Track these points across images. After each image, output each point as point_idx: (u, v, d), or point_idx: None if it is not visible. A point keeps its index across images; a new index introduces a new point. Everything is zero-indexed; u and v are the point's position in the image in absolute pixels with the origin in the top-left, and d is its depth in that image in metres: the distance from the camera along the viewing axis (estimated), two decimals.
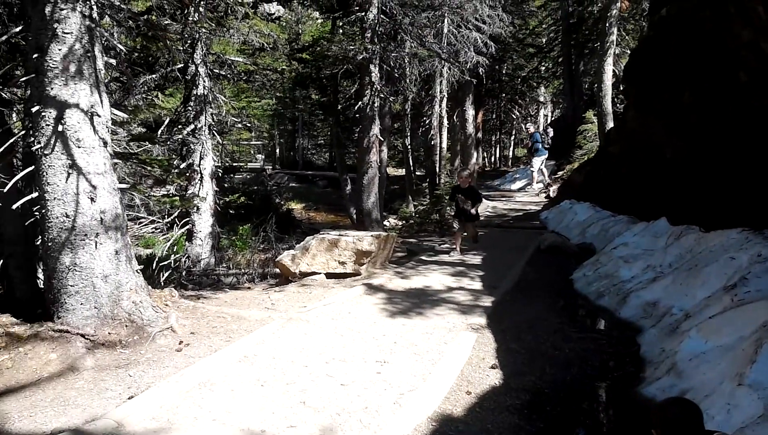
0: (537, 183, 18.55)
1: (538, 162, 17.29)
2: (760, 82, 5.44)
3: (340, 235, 7.35)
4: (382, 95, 10.80)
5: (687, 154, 7.22)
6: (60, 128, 4.51)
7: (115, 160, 5.31)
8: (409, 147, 17.19)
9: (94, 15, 4.78)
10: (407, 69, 12.61)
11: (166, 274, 8.78)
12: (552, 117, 35.90)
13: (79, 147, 4.65)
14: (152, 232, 11.80)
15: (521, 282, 7.07)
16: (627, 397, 3.92)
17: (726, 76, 6.01)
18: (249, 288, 7.53)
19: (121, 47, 5.94)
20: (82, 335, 4.40)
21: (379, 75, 10.62)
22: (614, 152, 11.06)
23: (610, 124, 14.16)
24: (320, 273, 7.13)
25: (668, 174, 7.64)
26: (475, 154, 17.38)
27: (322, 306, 5.87)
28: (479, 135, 23.34)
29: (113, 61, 5.62)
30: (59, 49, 4.50)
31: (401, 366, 4.34)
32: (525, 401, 3.83)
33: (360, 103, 10.51)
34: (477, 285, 6.93)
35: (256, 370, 4.22)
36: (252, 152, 39.67)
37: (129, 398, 3.69)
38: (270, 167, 34.80)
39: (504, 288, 6.71)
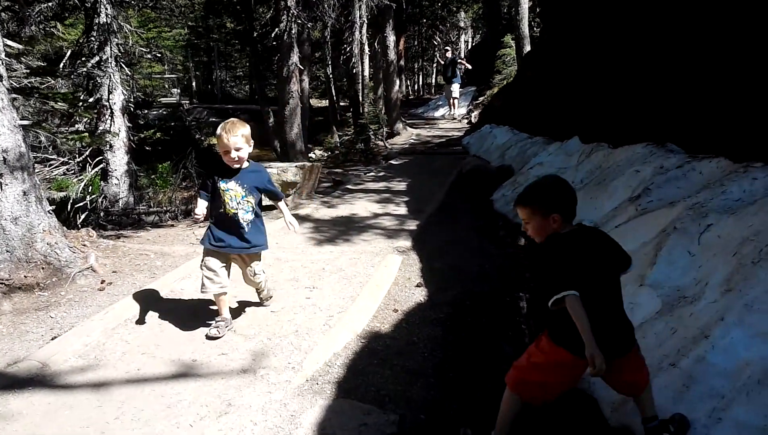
0: (458, 108, 18.80)
1: (456, 88, 17.46)
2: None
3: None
4: (300, 21, 10.45)
5: (596, 74, 7.48)
6: None
7: (14, 96, 4.96)
8: (331, 76, 16.85)
9: None
10: None
11: (82, 217, 8.43)
12: (473, 42, 35.95)
13: None
14: (64, 175, 11.18)
15: (444, 205, 7.27)
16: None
17: None
18: (172, 225, 7.37)
19: None
20: None
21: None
22: (531, 76, 11.29)
23: (528, 48, 14.38)
24: None
25: (579, 94, 7.91)
26: (397, 82, 17.26)
27: None
28: (402, 62, 23.11)
29: None
30: None
31: (330, 290, 4.45)
32: (448, 314, 4.03)
33: (276, 30, 10.13)
34: (402, 210, 7.08)
35: (184, 304, 4.21)
36: (167, 87, 37.66)
37: (52, 339, 3.61)
38: (187, 102, 33.29)
39: (428, 212, 6.90)
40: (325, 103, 26.38)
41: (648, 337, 2.97)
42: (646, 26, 6.02)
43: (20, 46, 5.58)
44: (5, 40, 4.92)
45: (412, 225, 6.31)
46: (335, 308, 4.10)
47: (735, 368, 2.37)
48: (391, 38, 15.69)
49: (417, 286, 4.55)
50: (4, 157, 4.46)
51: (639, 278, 3.49)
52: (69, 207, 8.41)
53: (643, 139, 5.60)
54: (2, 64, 4.68)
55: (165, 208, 8.65)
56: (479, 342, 3.65)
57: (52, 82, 8.66)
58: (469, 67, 18.49)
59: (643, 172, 5.02)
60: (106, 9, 8.80)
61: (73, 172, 11.17)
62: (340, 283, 4.60)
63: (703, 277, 3.09)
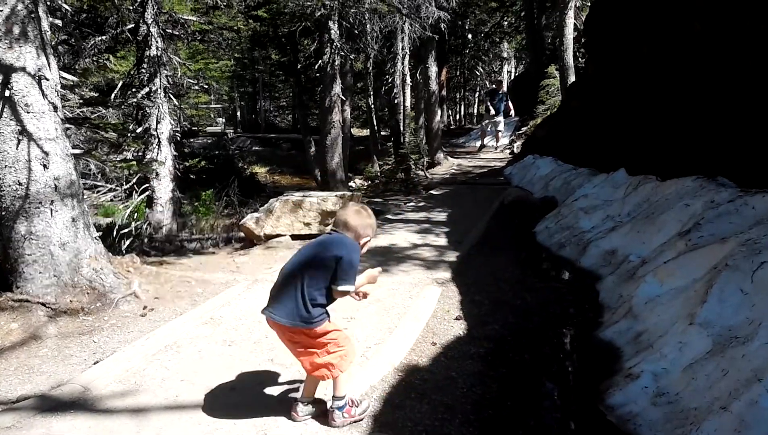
0: (501, 139, 18.71)
1: (502, 121, 17.39)
2: (713, 32, 5.52)
3: (304, 196, 7.33)
4: (343, 53, 10.65)
5: (645, 105, 7.35)
6: (7, 93, 4.35)
7: (67, 126, 5.16)
8: (372, 106, 17.05)
9: None
10: (367, 25, 12.42)
11: (127, 242, 8.65)
12: (515, 73, 35.94)
13: (28, 112, 4.50)
14: (111, 201, 11.54)
15: (485, 236, 7.18)
16: (586, 341, 4.06)
17: (681, 26, 6.07)
18: (213, 253, 7.48)
19: (67, 7, 5.70)
20: (43, 304, 4.34)
21: (338, 32, 10.45)
22: (576, 106, 11.17)
23: (572, 79, 14.25)
24: (285, 235, 7.12)
25: (627, 126, 7.77)
26: (438, 112, 17.32)
27: None
28: (443, 92, 23.25)
29: (59, 22, 5.40)
30: (0, 10, 4.30)
31: (368, 321, 4.41)
32: (488, 349, 3.94)
33: (320, 61, 10.35)
34: (442, 241, 7.02)
35: (223, 332, 4.23)
36: (212, 116, 38.80)
37: (94, 363, 3.67)
38: (231, 131, 34.22)
39: (469, 243, 6.82)
40: (365, 132, 26.69)
41: (698, 378, 2.83)
42: (695, 58, 5.90)
43: (75, 78, 5.83)
44: (61, 72, 5.13)
45: (452, 256, 6.24)
46: (372, 340, 4.06)
47: None
48: (433, 69, 15.81)
49: (456, 319, 4.47)
50: (55, 185, 4.62)
51: (689, 317, 3.34)
52: (115, 233, 8.63)
53: (692, 172, 5.45)
54: (57, 95, 4.88)
55: (207, 236, 8.82)
56: (520, 378, 3.55)
57: (103, 111, 9.00)
58: (512, 113, 18.25)
59: (693, 206, 4.86)
60: (157, 42, 9.17)
61: (119, 198, 11.54)
62: (378, 314, 4.56)
63: (757, 316, 2.94)
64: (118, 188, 11.50)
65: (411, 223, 8.09)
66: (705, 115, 5.80)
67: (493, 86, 17.58)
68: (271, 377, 3.51)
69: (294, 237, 7.14)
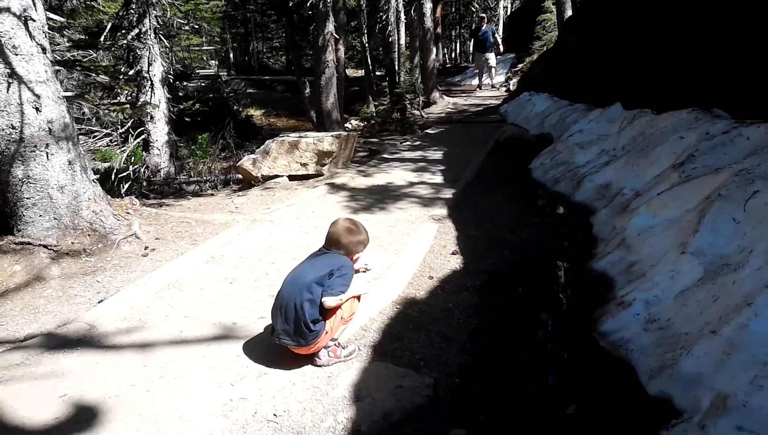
0: (495, 76, 18.43)
1: (493, 57, 17.07)
2: None
3: (300, 136, 7.29)
4: None
5: (641, 38, 7.22)
6: None
7: (57, 68, 5.08)
8: (367, 46, 16.70)
9: None
10: None
11: (126, 186, 8.68)
12: (512, 8, 35.02)
13: (16, 54, 4.42)
14: (107, 146, 11.48)
15: (481, 174, 7.20)
16: (579, 273, 4.14)
17: None
18: (212, 194, 7.52)
19: None
20: (45, 246, 4.39)
21: None
22: (572, 41, 10.96)
23: (569, 13, 13.93)
24: (282, 175, 7.13)
25: (623, 59, 7.66)
26: (434, 50, 16.99)
27: (285, 207, 5.92)
28: (438, 30, 22.73)
29: None
30: None
31: (367, 257, 4.46)
32: (484, 282, 4.02)
33: None
34: (438, 179, 7.04)
35: (224, 270, 4.31)
36: (205, 58, 38.00)
37: (99, 302, 3.75)
38: (225, 73, 33.59)
39: (464, 180, 6.84)
40: (360, 72, 26.23)
41: (689, 304, 2.92)
42: None
43: (62, 19, 5.70)
44: (48, 13, 5.02)
45: (448, 193, 6.27)
46: (371, 275, 4.12)
47: None
48: (428, 5, 15.40)
49: (452, 253, 4.54)
50: (49, 128, 4.59)
51: (681, 246, 3.41)
52: (113, 177, 8.64)
53: (688, 105, 5.41)
54: (45, 36, 4.79)
55: (205, 178, 8.83)
56: (515, 310, 3.64)
57: (94, 55, 8.83)
58: (500, 49, 17.80)
59: (687, 139, 4.86)
60: None
61: (116, 143, 11.46)
62: (376, 250, 4.62)
63: (748, 244, 3.00)
64: (113, 133, 11.41)
65: (407, 162, 8.09)
66: (700, 47, 5.72)
67: (480, 24, 17.13)
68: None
69: (291, 177, 7.15)
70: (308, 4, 10.20)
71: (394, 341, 3.21)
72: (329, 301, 2.81)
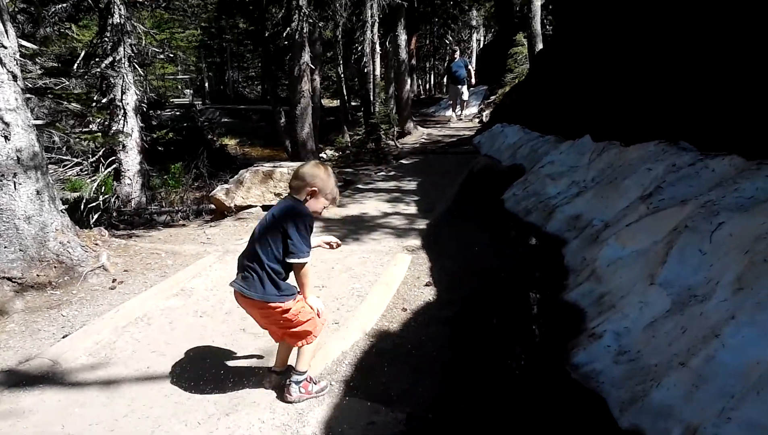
0: (468, 108, 18.75)
1: (466, 89, 17.40)
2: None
3: (274, 166, 7.28)
4: (311, 20, 10.47)
5: (609, 72, 7.42)
6: None
7: (28, 96, 5.01)
8: (342, 76, 16.85)
9: None
10: None
11: (95, 216, 8.54)
12: (485, 41, 35.79)
13: None
14: (78, 175, 11.32)
15: (455, 204, 7.25)
16: (551, 304, 4.17)
17: None
18: (183, 225, 7.43)
19: None
20: (9, 279, 4.27)
21: None
22: (543, 74, 11.23)
23: (540, 46, 14.26)
24: (256, 205, 7.09)
25: (592, 93, 7.85)
26: (408, 81, 17.21)
27: None
28: (413, 62, 23.05)
29: None
30: None
31: (339, 289, 4.45)
32: (457, 313, 4.01)
33: (288, 29, 10.15)
34: (412, 209, 7.07)
35: (194, 303, 4.23)
36: (180, 87, 37.90)
37: (63, 337, 3.65)
38: (200, 102, 33.52)
39: (438, 211, 6.88)
40: (336, 102, 26.41)
41: (658, 336, 2.95)
42: (658, 25, 5.97)
43: (35, 47, 5.64)
44: (20, 40, 4.97)
45: (422, 224, 6.30)
46: (344, 307, 4.11)
47: (745, 367, 2.33)
48: (403, 37, 15.64)
49: (426, 285, 4.54)
50: (18, 157, 4.51)
51: (650, 277, 3.46)
52: (82, 207, 8.50)
53: (655, 137, 5.55)
54: (17, 64, 4.74)
55: (177, 208, 8.73)
56: (489, 341, 3.64)
57: (66, 82, 8.75)
58: (473, 82, 18.24)
59: (655, 171, 4.97)
60: (120, 9, 8.91)
61: (86, 172, 11.31)
62: (349, 281, 4.61)
63: (715, 275, 3.05)
64: (84, 162, 11.26)
65: (381, 193, 8.11)
66: (667, 81, 5.89)
67: (453, 57, 17.58)
68: (243, 347, 3.53)
69: (265, 208, 7.11)
70: (284, 34, 10.29)
71: (366, 375, 3.17)
72: (294, 259, 2.71)
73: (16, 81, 4.64)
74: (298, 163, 7.51)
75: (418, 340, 3.62)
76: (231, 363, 3.30)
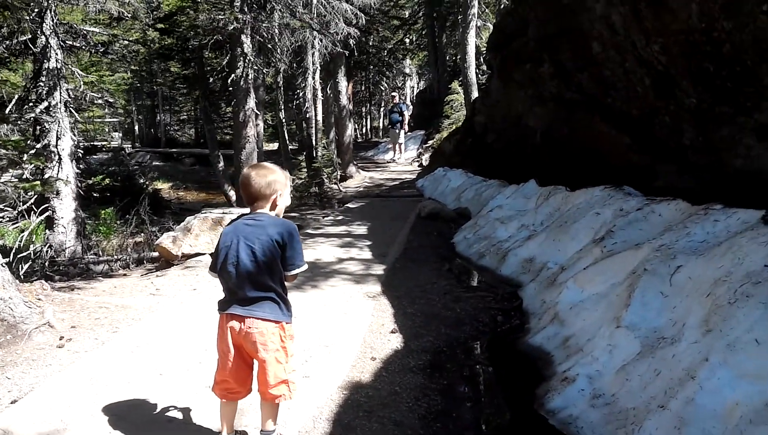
0: (406, 152, 19.21)
1: (402, 134, 17.92)
2: (610, 52, 5.93)
3: (224, 212, 7.14)
4: (256, 67, 10.48)
5: (548, 121, 7.78)
6: None
7: None
8: (283, 120, 16.87)
9: None
10: (278, 39, 12.29)
11: (25, 267, 8.03)
12: (418, 88, 36.86)
13: None
14: None
15: (408, 249, 7.30)
16: (516, 348, 4.22)
17: (582, 47, 6.48)
18: (125, 275, 7.11)
19: None
20: None
21: (251, 46, 10.27)
22: (481, 121, 11.64)
23: (475, 94, 14.85)
24: (205, 253, 6.88)
25: (532, 140, 8.19)
26: (350, 126, 17.45)
27: (212, 287, 5.65)
28: (350, 107, 23.42)
29: None
30: None
31: (303, 338, 4.33)
32: (426, 361, 4.00)
33: (233, 75, 10.12)
34: (366, 254, 7.06)
35: (152, 360, 4.01)
36: (107, 130, 36.82)
37: (12, 402, 3.37)
38: (129, 145, 32.65)
39: (393, 256, 6.90)
40: (273, 146, 26.33)
41: (632, 379, 3.03)
42: (601, 75, 6.30)
43: None
44: None
45: (378, 269, 6.29)
46: (311, 358, 4.01)
47: (725, 409, 2.43)
48: (343, 83, 15.92)
49: (392, 332, 4.50)
50: None
51: (615, 320, 3.56)
52: (11, 257, 7.98)
53: (600, 182, 5.83)
54: None
55: (116, 257, 8.34)
56: (461, 389, 3.64)
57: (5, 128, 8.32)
58: (407, 125, 18.99)
59: (603, 215, 5.19)
60: (57, 54, 8.63)
61: (10, 219, 10.67)
62: (313, 330, 4.51)
63: (679, 317, 3.19)
64: (7, 209, 10.63)
65: (332, 238, 8.07)
66: (612, 127, 6.23)
67: (394, 101, 18.33)
68: (208, 405, 3.36)
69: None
70: (229, 80, 10.23)
71: (346, 431, 3.09)
72: (299, 270, 2.72)
73: None
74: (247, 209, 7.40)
75: (392, 391, 3.57)
76: (199, 425, 3.13)
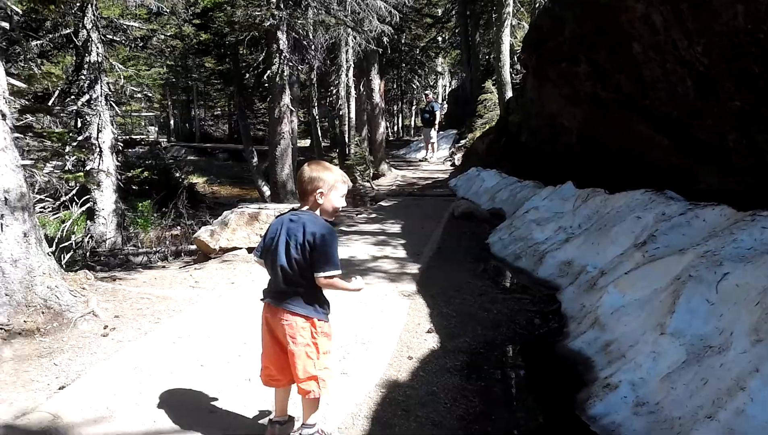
0: (438, 151, 19.17)
1: (432, 132, 17.89)
2: (650, 53, 5.81)
3: (260, 208, 7.21)
4: (291, 63, 10.56)
5: (583, 120, 7.67)
6: None
7: (16, 135, 4.87)
8: (316, 117, 16.97)
9: None
10: (312, 36, 12.37)
11: (66, 257, 8.23)
12: (450, 87, 36.71)
13: None
14: (40, 212, 10.96)
15: (442, 248, 7.29)
16: (555, 351, 4.18)
17: (620, 47, 6.36)
18: (164, 266, 7.24)
19: (16, 9, 5.39)
20: None
21: (287, 42, 10.36)
22: (515, 120, 11.55)
23: (509, 94, 14.69)
24: (241, 248, 6.97)
25: (567, 140, 8.09)
26: (382, 124, 17.47)
27: (250, 281, 5.76)
28: (383, 104, 23.45)
29: (6, 25, 5.09)
30: None
31: (340, 335, 4.36)
32: (463, 362, 3.98)
33: (269, 72, 10.21)
34: (401, 253, 7.06)
35: (193, 351, 4.08)
36: (143, 124, 37.60)
37: (60, 388, 3.46)
38: (165, 140, 33.21)
39: (427, 255, 6.90)
40: (306, 142, 26.51)
41: (678, 387, 2.97)
42: (640, 75, 6.19)
43: (24, 85, 5.50)
44: (9, 78, 4.85)
45: (413, 268, 6.29)
46: (349, 355, 4.03)
47: None
48: (376, 81, 15.93)
49: (428, 332, 4.50)
50: (5, 198, 4.35)
51: (659, 327, 3.50)
52: (53, 247, 8.19)
53: (640, 186, 5.72)
54: (6, 102, 4.61)
55: (155, 249, 8.50)
56: (499, 391, 3.63)
57: (41, 119, 8.54)
58: (438, 124, 19.07)
59: (644, 219, 5.10)
60: (97, 48, 8.81)
61: (49, 210, 10.95)
62: (350, 328, 4.53)
63: (726, 326, 3.12)
64: (48, 199, 10.92)
65: (366, 235, 8.10)
66: (652, 128, 6.12)
67: (428, 99, 18.38)
68: (249, 397, 3.42)
69: (250, 250, 6.99)
70: (265, 76, 10.34)
71: (385, 429, 3.10)
72: (327, 272, 2.64)
73: (5, 120, 4.52)
74: (284, 205, 7.47)
75: (430, 391, 3.57)
76: (238, 414, 3.18)
